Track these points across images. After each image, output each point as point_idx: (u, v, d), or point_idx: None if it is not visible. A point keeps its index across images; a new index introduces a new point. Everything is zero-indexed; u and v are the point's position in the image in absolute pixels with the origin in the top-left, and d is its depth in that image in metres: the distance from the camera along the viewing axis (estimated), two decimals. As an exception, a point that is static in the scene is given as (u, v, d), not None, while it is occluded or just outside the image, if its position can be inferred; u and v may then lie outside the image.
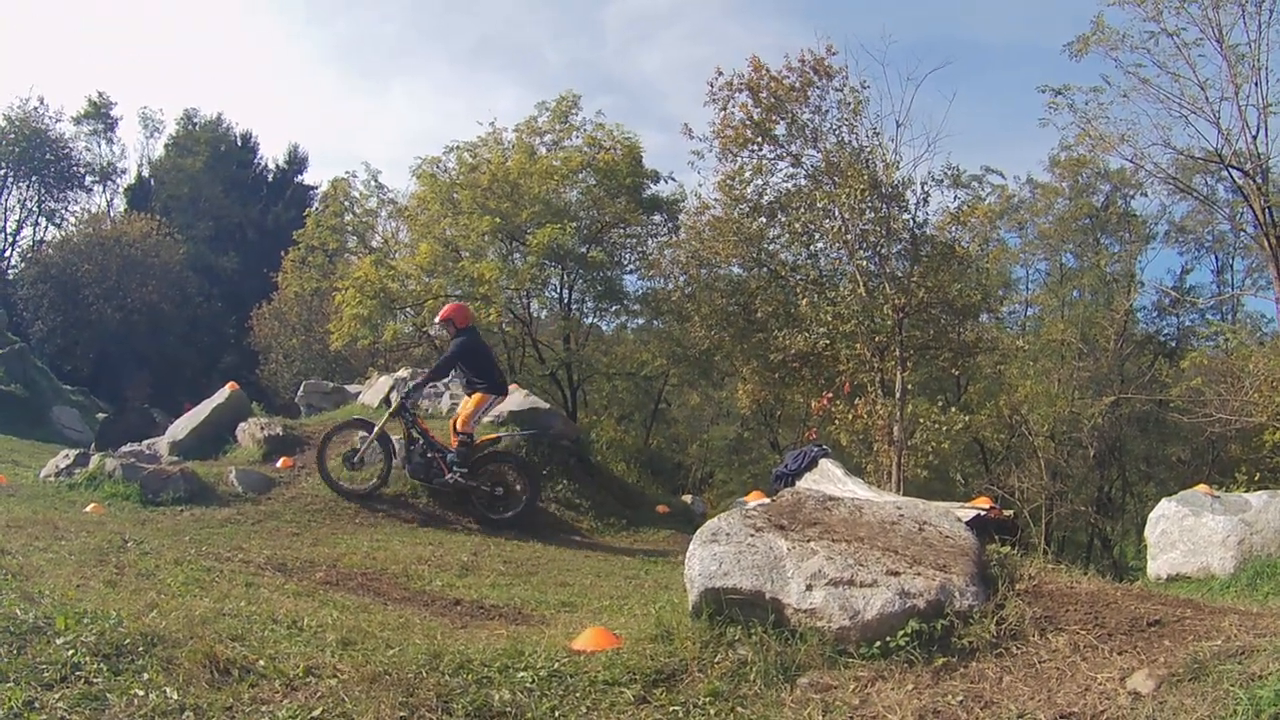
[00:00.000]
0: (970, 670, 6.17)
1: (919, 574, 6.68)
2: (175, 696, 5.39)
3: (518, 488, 16.79)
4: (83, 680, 5.47)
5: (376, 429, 16.79)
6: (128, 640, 5.98)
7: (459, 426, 16.67)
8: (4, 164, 56.69)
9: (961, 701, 5.80)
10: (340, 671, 6.02)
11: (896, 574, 6.66)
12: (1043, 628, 6.49)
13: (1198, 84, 25.09)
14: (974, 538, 7.58)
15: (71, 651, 5.73)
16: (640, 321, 39.48)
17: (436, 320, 17.47)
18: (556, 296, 37.66)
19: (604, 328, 41.90)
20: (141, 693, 5.41)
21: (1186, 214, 41.45)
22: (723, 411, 43.90)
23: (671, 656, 6.58)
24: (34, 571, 8.23)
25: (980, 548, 7.41)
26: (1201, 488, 15.17)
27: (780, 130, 30.11)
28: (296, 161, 66.45)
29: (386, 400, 19.21)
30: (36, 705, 5.16)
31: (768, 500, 8.87)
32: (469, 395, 17.19)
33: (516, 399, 21.87)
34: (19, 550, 9.10)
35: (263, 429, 19.22)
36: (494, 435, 18.64)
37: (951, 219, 28.45)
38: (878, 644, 6.37)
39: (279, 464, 17.83)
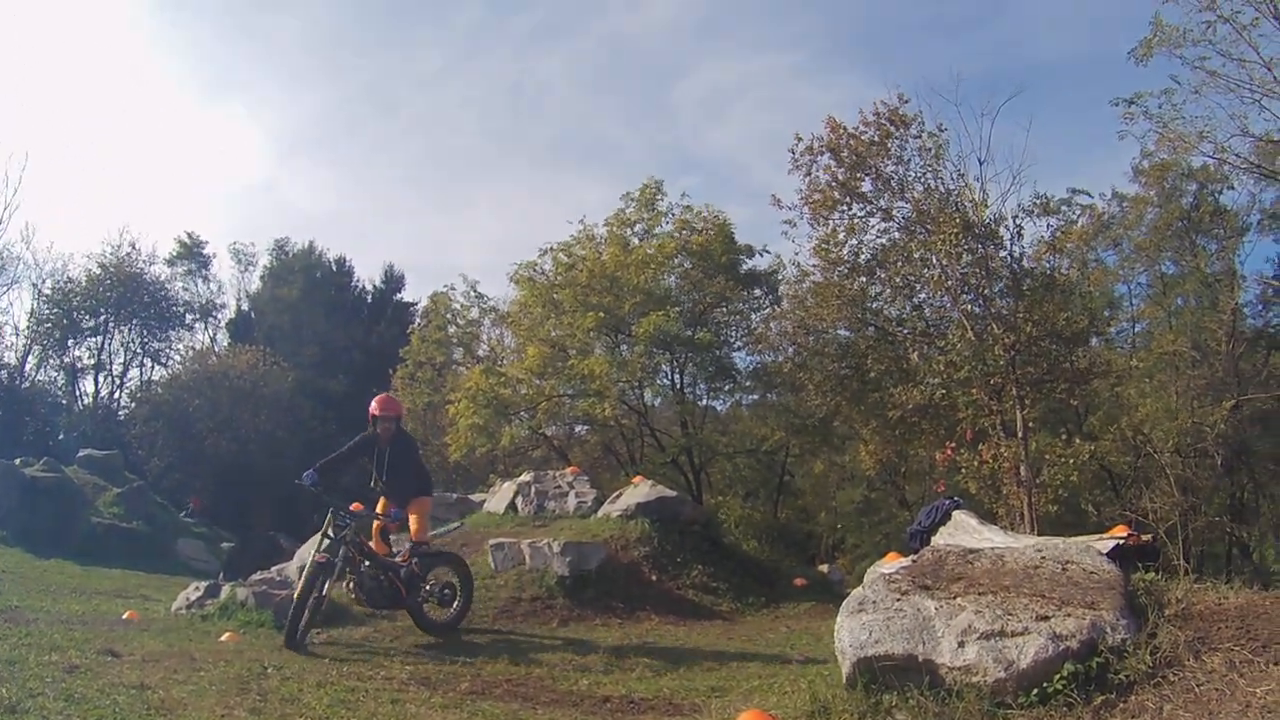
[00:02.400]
0: (1130, 704, 6.23)
1: (1069, 615, 6.76)
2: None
3: (456, 583, 15.64)
4: None
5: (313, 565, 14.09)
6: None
7: (416, 537, 15.21)
8: (104, 310, 57.12)
9: (1125, 736, 5.87)
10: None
11: (1046, 618, 6.74)
12: (1196, 650, 6.53)
13: (1264, 65, 24.72)
14: (1117, 570, 7.66)
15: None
16: (754, 397, 39.54)
17: (378, 413, 15.04)
18: (668, 383, 37.96)
19: (718, 408, 42.00)
20: None
21: (1277, 199, 40.86)
22: (847, 475, 43.54)
23: (833, 730, 6.65)
24: (176, 704, 8.42)
25: (1125, 579, 7.49)
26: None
27: (867, 186, 30.13)
28: (393, 280, 66.77)
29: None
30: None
31: (905, 560, 8.94)
32: (407, 500, 15.08)
33: (643, 490, 22.02)
34: (158, 684, 9.19)
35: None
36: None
37: (1047, 248, 28.32)
38: (1035, 691, 6.45)
39: (413, 578, 17.91)
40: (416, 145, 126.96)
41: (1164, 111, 26.62)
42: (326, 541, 13.89)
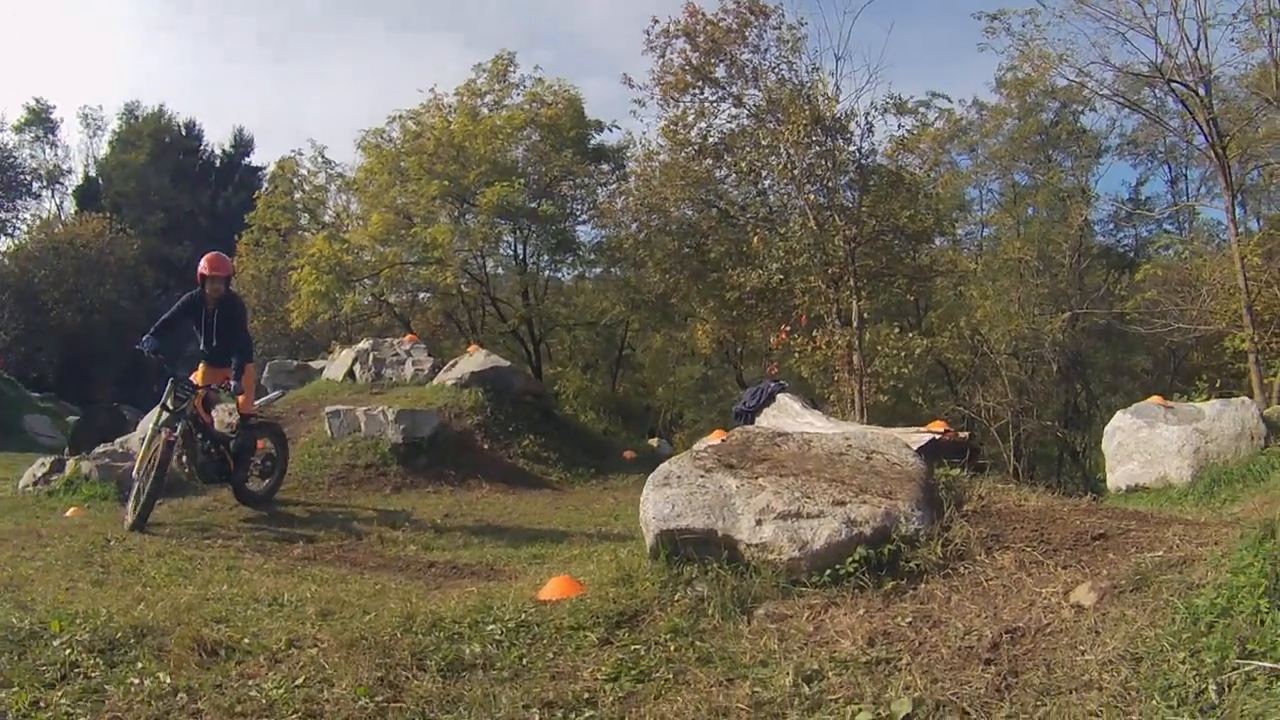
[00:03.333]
0: (919, 592, 6.37)
1: (865, 502, 6.86)
2: (168, 681, 5.58)
3: (274, 454, 15.29)
4: (81, 676, 5.66)
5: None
6: (119, 634, 6.18)
7: (244, 408, 14.48)
8: (-50, 179, 55.80)
9: (910, 622, 5.98)
10: (320, 641, 6.21)
11: (843, 504, 6.82)
12: (989, 547, 6.69)
13: (1136, 0, 25.07)
14: (921, 463, 7.79)
15: (68, 651, 5.94)
16: (598, 271, 39.52)
17: (207, 272, 13.91)
18: (511, 254, 37.77)
19: (563, 279, 41.97)
20: (136, 681, 5.59)
21: (1137, 127, 41.46)
22: (687, 352, 43.72)
23: (633, 598, 6.74)
24: (24, 580, 8.40)
25: (928, 472, 7.60)
26: (1155, 399, 15.36)
27: (720, 72, 30.40)
28: (242, 145, 65.86)
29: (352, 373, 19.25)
30: (41, 704, 5.35)
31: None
32: (229, 366, 13.86)
33: (478, 359, 22.16)
34: (7, 562, 9.27)
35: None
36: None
37: (899, 146, 28.55)
38: (828, 572, 6.54)
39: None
40: (273, 3, 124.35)
41: (1026, 31, 26.97)
42: (166, 414, 13.17)
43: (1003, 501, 7.42)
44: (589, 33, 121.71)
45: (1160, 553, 6.12)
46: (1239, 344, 25.90)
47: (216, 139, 67.21)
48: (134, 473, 13.16)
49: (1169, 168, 46.72)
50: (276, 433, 15.81)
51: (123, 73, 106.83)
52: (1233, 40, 25.81)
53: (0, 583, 8.17)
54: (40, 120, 61.71)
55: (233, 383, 13.70)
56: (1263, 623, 4.64)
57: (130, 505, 12.57)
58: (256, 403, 16.56)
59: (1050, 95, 40.87)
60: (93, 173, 64.02)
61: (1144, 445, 13.89)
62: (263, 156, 67.62)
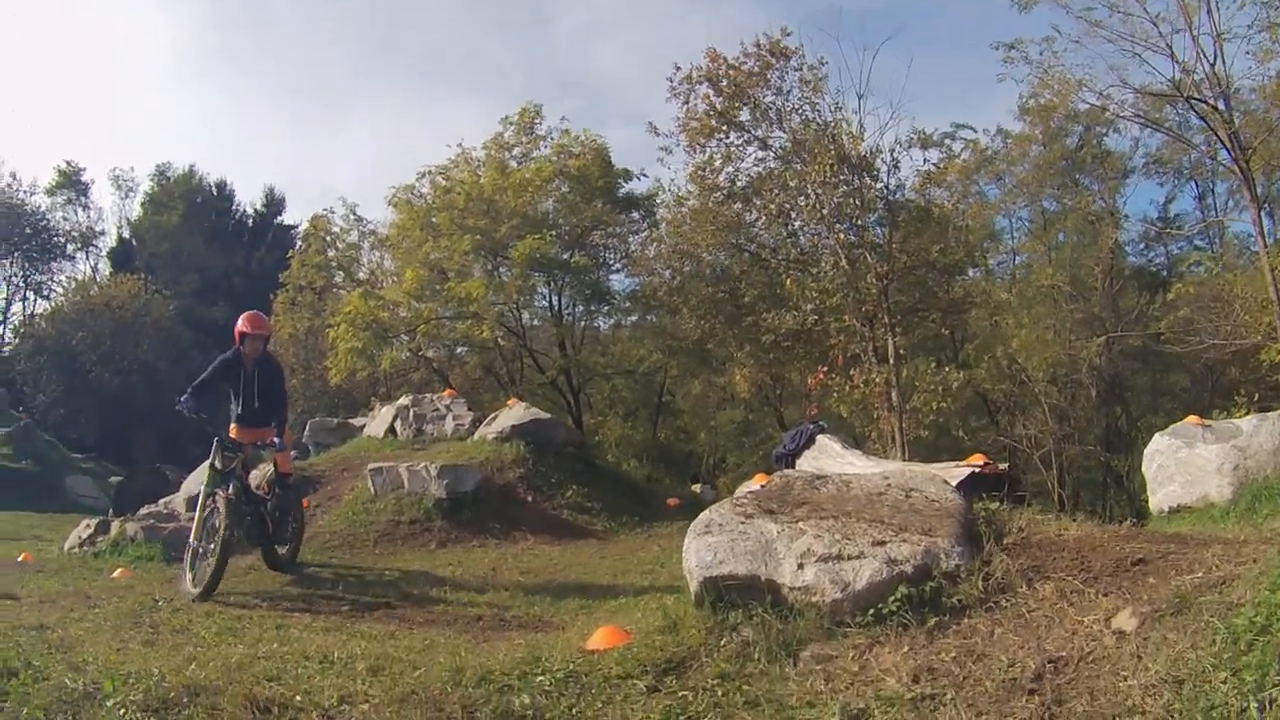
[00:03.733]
0: (962, 627, 6.38)
1: (904, 541, 6.90)
2: (222, 739, 5.62)
3: (300, 518, 14.61)
4: None
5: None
6: (172, 694, 6.19)
7: (284, 467, 14.06)
8: (-14, 244, 56.28)
9: (954, 657, 6.01)
10: (371, 697, 6.25)
11: (883, 543, 6.87)
12: (1030, 578, 6.70)
13: (1149, 19, 25.10)
14: (960, 499, 7.86)
15: (122, 711, 5.95)
16: (633, 319, 39.60)
17: (249, 331, 13.46)
18: (546, 305, 38.02)
19: (599, 328, 42.05)
20: None
21: (1161, 146, 41.49)
22: (726, 396, 43.65)
23: (679, 646, 6.77)
24: (75, 641, 8.35)
25: (967, 508, 7.66)
26: (1192, 419, 15.31)
27: (745, 116, 30.38)
28: (274, 204, 66.13)
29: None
30: (98, 766, 5.37)
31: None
32: (267, 427, 13.28)
33: (518, 412, 22.14)
34: (57, 623, 9.22)
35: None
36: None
37: (926, 180, 28.59)
38: (871, 612, 6.56)
39: (296, 506, 17.94)
40: (293, 62, 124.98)
41: (1044, 58, 27.05)
42: (214, 474, 12.55)
43: (1042, 532, 7.45)
44: (611, 80, 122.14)
45: (1200, 574, 6.14)
46: (1275, 356, 25.86)
47: (248, 198, 67.57)
48: (190, 538, 12.42)
49: (1195, 184, 46.86)
50: (299, 498, 15.54)
51: (151, 134, 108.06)
52: (1248, 53, 25.96)
53: (52, 644, 8.15)
54: (71, 183, 62.21)
55: (276, 439, 13.34)
56: (1302, 639, 4.69)
57: (189, 573, 11.99)
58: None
59: (1073, 120, 40.98)
60: (126, 234, 64.49)
61: (1183, 466, 13.86)
62: (294, 215, 68.00)
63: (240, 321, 13.48)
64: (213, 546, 11.87)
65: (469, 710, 6.01)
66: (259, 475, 15.06)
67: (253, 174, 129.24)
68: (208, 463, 13.02)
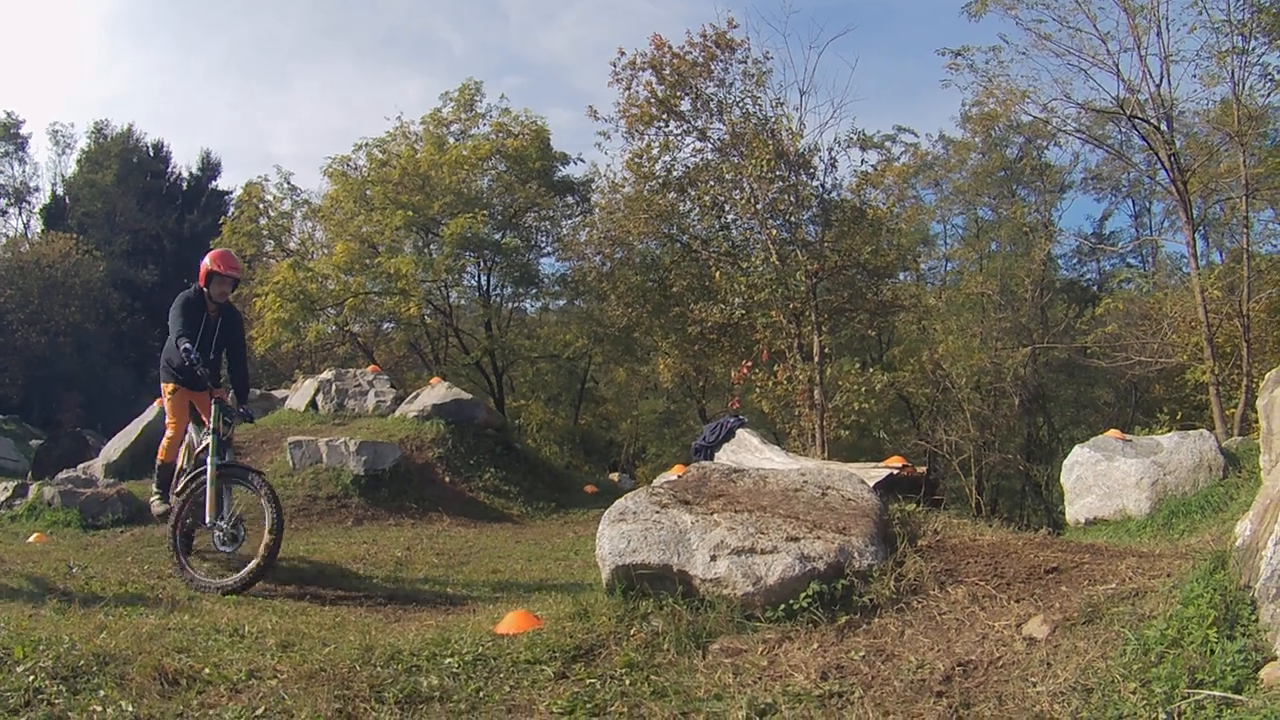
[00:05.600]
0: (873, 626, 6.39)
1: (819, 538, 6.89)
2: (130, 709, 5.56)
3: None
4: (45, 703, 5.62)
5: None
6: (82, 661, 6.15)
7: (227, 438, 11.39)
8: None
9: (864, 656, 6.01)
10: (280, 672, 6.20)
11: (796, 539, 6.85)
12: (943, 581, 6.73)
13: (1098, 37, 25.36)
14: (876, 499, 7.84)
15: (31, 677, 5.90)
16: (561, 303, 39.67)
17: (220, 270, 11.48)
18: (475, 285, 38.07)
19: (526, 311, 42.05)
20: (99, 709, 5.56)
21: (1100, 163, 41.87)
22: (650, 386, 43.85)
23: (589, 633, 6.75)
24: None
25: (882, 508, 7.66)
26: (1113, 433, 15.46)
27: (685, 106, 30.43)
28: (209, 168, 65.14)
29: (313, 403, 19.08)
30: (6, 730, 5.31)
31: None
32: (216, 386, 11.35)
33: (439, 391, 22.10)
34: None
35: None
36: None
37: (863, 181, 28.67)
38: (782, 607, 6.57)
39: (213, 476, 17.80)
40: (244, 27, 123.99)
41: (990, 67, 27.21)
42: (217, 441, 10.91)
43: (957, 536, 7.48)
44: (557, 61, 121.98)
45: (1113, 585, 6.17)
46: (1200, 376, 26.16)
47: (184, 161, 66.83)
48: (176, 517, 10.78)
49: (1132, 202, 47.32)
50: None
51: (93, 90, 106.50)
52: (1195, 76, 26.16)
53: (-39, 609, 8.06)
54: (9, 135, 61.28)
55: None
56: (1212, 652, 4.68)
57: (187, 560, 10.53)
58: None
59: (1015, 130, 41.28)
60: (60, 191, 63.27)
61: (1102, 478, 13.94)
62: (230, 180, 67.18)
63: (208, 259, 11.59)
64: (241, 529, 10.91)
65: (376, 689, 5.96)
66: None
67: (193, 137, 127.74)
68: (201, 431, 11.71)
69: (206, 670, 6.17)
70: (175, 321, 11.25)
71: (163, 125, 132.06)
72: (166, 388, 12.03)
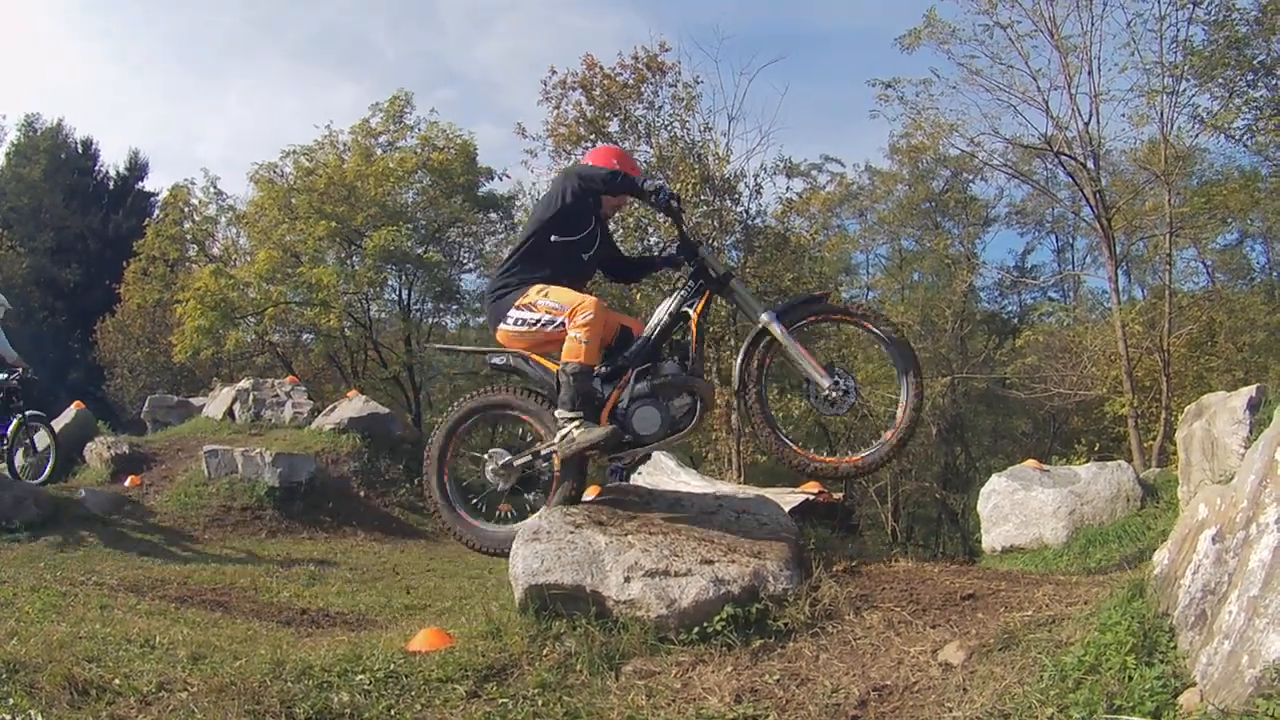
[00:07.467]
0: (787, 650, 6.36)
1: (733, 561, 6.87)
2: (40, 719, 5.45)
3: None
4: None
5: None
6: (-8, 669, 6.06)
7: None
8: None
9: (778, 680, 5.97)
10: (190, 685, 6.10)
11: (711, 562, 6.83)
12: (858, 606, 6.69)
13: (1030, 74, 25.85)
14: (792, 523, 7.88)
15: (-62, 685, 5.78)
16: (481, 319, 39.64)
17: None
18: (396, 299, 38.01)
19: (446, 327, 41.98)
20: (7, 717, 5.47)
21: (1025, 197, 42.34)
22: (571, 405, 43.88)
23: (502, 652, 6.67)
24: None
25: (797, 533, 7.68)
26: (1031, 463, 15.55)
27: (614, 127, 30.48)
28: (137, 168, 64.38)
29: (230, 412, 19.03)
30: (-91, 739, 5.20)
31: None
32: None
33: (356, 404, 22.07)
34: None
35: (109, 448, 19.17)
36: None
37: (787, 208, 28.84)
38: (696, 630, 6.53)
39: (127, 482, 17.83)
40: (182, 21, 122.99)
41: (920, 100, 27.53)
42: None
43: (873, 562, 7.54)
44: (488, 77, 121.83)
45: (1030, 612, 6.16)
46: (1119, 409, 26.49)
47: (113, 160, 66.01)
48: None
49: (1055, 237, 47.94)
50: None
51: (28, 80, 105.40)
52: (1124, 115, 26.61)
53: None
54: (-61, 124, 60.55)
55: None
56: (1130, 679, 4.67)
57: None
58: None
59: (942, 163, 41.56)
60: (-12, 184, 62.86)
61: (1019, 507, 13.99)
62: (157, 182, 66.70)
63: None
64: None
65: (287, 705, 5.86)
66: None
67: (123, 136, 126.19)
68: None
69: (116, 681, 6.08)
70: None
71: (96, 117, 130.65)
72: None
